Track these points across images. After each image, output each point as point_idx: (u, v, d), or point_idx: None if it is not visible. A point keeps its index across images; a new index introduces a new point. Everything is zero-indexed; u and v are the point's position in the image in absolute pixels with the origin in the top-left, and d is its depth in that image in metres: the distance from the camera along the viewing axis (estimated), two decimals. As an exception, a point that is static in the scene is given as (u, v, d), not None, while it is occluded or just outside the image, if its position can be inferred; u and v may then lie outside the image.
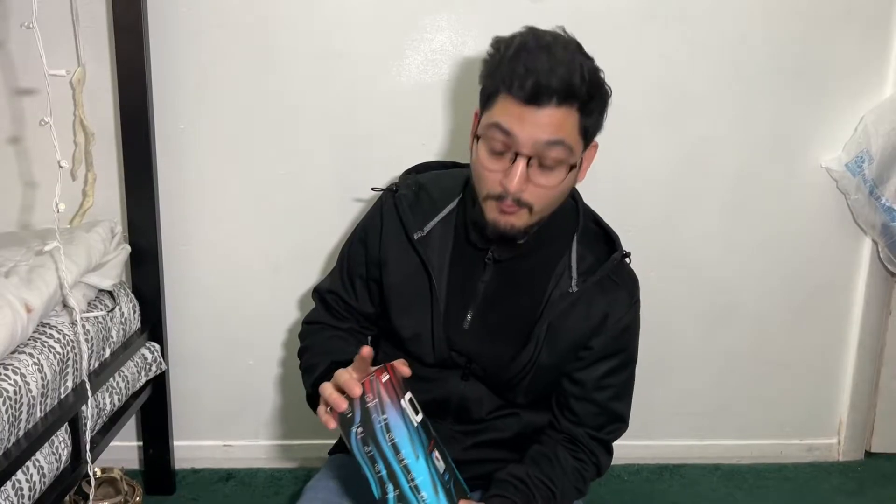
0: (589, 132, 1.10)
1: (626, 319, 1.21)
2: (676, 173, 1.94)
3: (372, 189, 1.36)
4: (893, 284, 2.11)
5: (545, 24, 1.15)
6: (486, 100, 1.10)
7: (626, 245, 1.26)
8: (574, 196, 1.27)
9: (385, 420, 0.93)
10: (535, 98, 1.02)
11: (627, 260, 1.24)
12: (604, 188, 1.89)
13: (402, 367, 1.02)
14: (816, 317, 2.10)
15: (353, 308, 1.31)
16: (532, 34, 1.07)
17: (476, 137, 1.11)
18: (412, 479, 0.94)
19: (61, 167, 1.22)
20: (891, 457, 2.22)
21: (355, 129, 1.85)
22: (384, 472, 0.94)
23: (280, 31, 1.79)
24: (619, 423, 1.24)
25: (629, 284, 1.23)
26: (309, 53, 1.80)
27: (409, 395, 1.00)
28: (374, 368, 1.00)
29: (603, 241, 1.24)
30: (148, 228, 1.79)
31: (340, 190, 1.87)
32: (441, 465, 0.99)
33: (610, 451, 1.25)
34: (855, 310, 2.10)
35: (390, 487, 0.95)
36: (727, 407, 2.14)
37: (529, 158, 1.05)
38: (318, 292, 1.36)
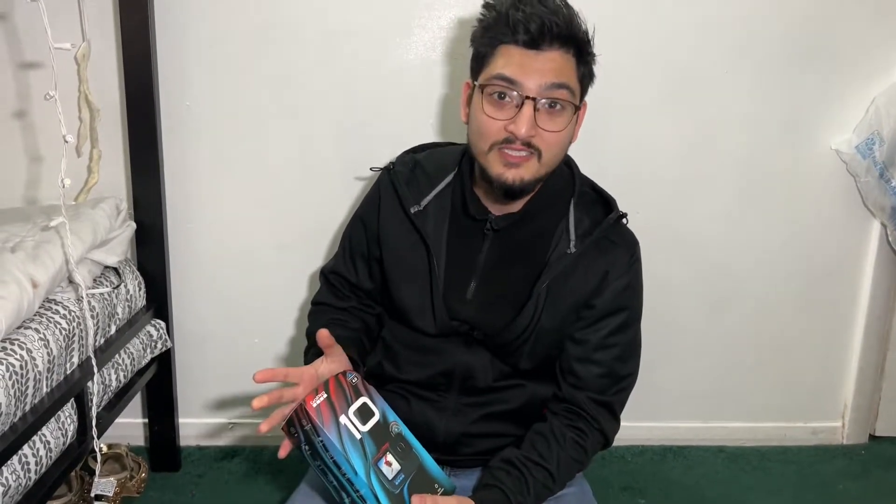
0: (584, 83, 1.14)
1: (626, 277, 1.21)
2: (684, 155, 1.93)
3: (371, 169, 1.38)
4: (901, 268, 2.10)
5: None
6: (483, 59, 1.14)
7: (634, 227, 1.26)
8: (569, 164, 1.28)
9: (321, 441, 0.99)
10: (537, 41, 1.07)
11: (625, 221, 1.25)
12: (611, 170, 1.87)
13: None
14: (823, 300, 2.09)
15: (355, 286, 1.34)
16: None
17: (480, 87, 1.13)
18: (356, 491, 1.00)
19: (66, 142, 1.21)
20: (895, 441, 2.22)
21: (362, 106, 1.84)
22: (335, 483, 1.01)
23: (286, 8, 1.77)
24: (622, 382, 1.23)
25: (628, 244, 1.24)
26: (315, 31, 1.79)
27: (358, 404, 1.04)
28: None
29: (600, 204, 1.25)
30: (153, 206, 1.78)
31: (346, 168, 1.86)
32: (393, 468, 1.03)
33: (616, 416, 1.24)
34: (862, 293, 2.09)
35: (343, 495, 1.02)
36: (732, 389, 2.13)
37: (536, 101, 1.08)
38: (323, 273, 1.40)
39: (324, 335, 1.10)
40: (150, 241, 1.81)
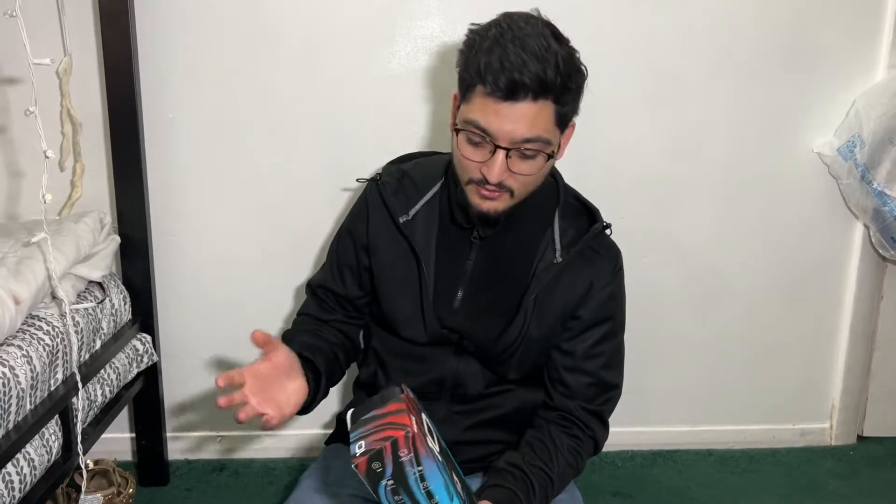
0: (566, 118, 1.12)
1: (610, 287, 1.23)
2: (668, 158, 1.94)
3: (357, 180, 1.37)
4: (885, 269, 2.11)
5: (531, 6, 1.14)
6: (465, 90, 1.11)
7: (618, 232, 1.27)
8: (554, 174, 1.28)
9: (420, 471, 0.91)
10: (509, 95, 1.04)
11: (609, 231, 1.26)
12: (596, 174, 1.89)
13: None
14: (809, 302, 2.10)
15: (343, 297, 1.33)
16: (505, 24, 1.07)
17: (455, 131, 1.12)
18: None
19: (47, 157, 1.20)
20: (883, 440, 2.23)
21: (345, 117, 1.84)
22: None
23: (267, 19, 1.77)
24: (611, 391, 1.25)
25: (612, 254, 1.26)
26: (297, 41, 1.79)
27: (426, 423, 0.97)
28: (391, 406, 0.93)
29: (584, 214, 1.27)
30: (137, 219, 1.77)
31: (331, 178, 1.86)
32: (460, 486, 0.97)
33: (606, 424, 1.26)
34: (847, 294, 2.10)
35: None
36: (720, 392, 2.14)
37: (508, 150, 1.07)
38: (310, 286, 1.39)
39: (257, 336, 1.05)
40: (134, 254, 1.80)
